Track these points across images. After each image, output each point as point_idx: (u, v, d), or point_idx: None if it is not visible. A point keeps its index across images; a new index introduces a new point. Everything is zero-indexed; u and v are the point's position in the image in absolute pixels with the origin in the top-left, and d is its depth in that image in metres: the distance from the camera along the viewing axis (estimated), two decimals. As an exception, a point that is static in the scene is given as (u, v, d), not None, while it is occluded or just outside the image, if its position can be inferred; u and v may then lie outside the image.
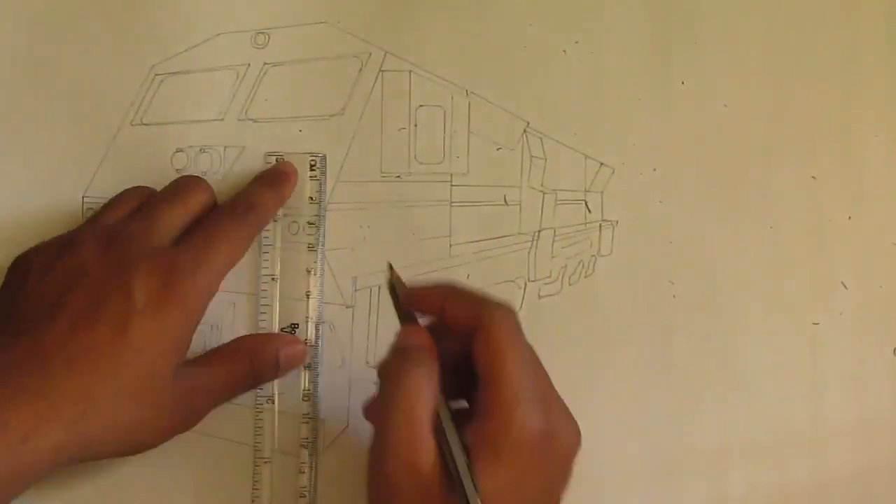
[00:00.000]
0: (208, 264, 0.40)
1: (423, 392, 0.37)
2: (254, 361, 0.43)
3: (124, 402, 0.38)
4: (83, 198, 0.45)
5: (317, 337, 0.45)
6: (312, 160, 0.46)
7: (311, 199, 0.46)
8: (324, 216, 0.46)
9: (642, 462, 0.46)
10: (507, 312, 0.38)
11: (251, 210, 0.43)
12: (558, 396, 0.39)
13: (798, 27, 0.49)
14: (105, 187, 0.45)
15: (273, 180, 0.45)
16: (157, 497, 0.44)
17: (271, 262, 0.45)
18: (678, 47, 0.49)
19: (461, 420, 0.37)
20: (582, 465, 0.46)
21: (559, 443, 0.38)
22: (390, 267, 0.42)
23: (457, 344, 0.38)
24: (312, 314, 0.45)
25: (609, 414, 0.46)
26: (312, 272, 0.45)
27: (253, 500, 0.44)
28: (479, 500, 0.35)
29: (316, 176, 0.46)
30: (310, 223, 0.45)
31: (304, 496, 0.44)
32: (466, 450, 0.36)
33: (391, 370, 0.38)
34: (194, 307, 0.40)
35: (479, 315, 0.38)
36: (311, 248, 0.45)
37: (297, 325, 0.45)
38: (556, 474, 0.38)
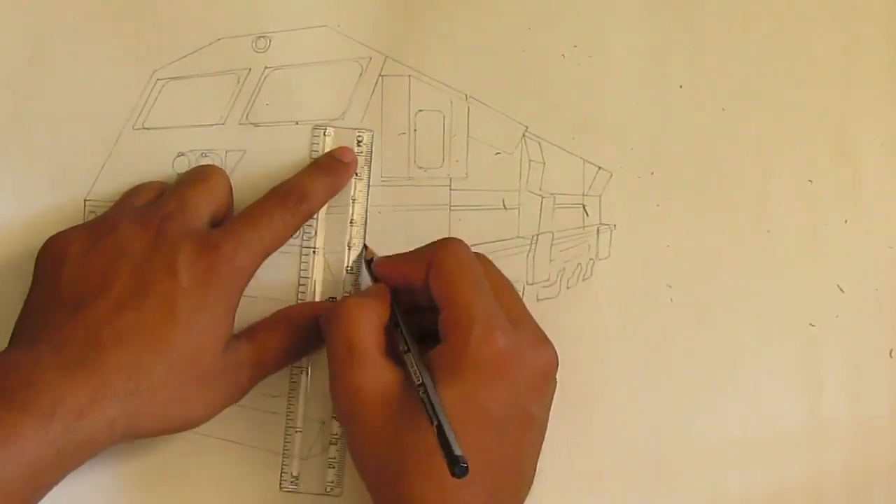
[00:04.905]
0: (249, 249, 0.41)
1: (357, 319, 0.40)
2: (296, 330, 0.44)
3: (176, 377, 0.39)
4: (85, 201, 0.46)
5: None
6: (359, 136, 0.46)
7: (357, 175, 0.46)
8: (368, 192, 0.46)
9: (640, 463, 0.47)
10: (452, 243, 0.41)
11: (303, 201, 0.44)
12: (530, 318, 0.42)
13: (796, 31, 0.49)
14: (107, 191, 0.46)
15: (330, 168, 0.45)
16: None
17: (314, 235, 0.46)
18: (676, 51, 0.49)
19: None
20: (580, 464, 0.46)
21: (526, 360, 0.40)
22: (365, 247, 0.45)
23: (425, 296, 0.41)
24: (351, 288, 0.46)
25: (607, 415, 0.47)
26: (353, 247, 0.46)
27: (283, 470, 0.45)
28: (438, 397, 0.38)
29: (362, 152, 0.46)
30: (353, 199, 0.46)
31: (333, 466, 0.45)
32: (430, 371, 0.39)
33: (331, 308, 0.42)
34: (234, 288, 0.41)
35: (429, 258, 0.41)
36: (353, 223, 0.46)
37: (335, 298, 0.45)
38: (524, 389, 0.40)
